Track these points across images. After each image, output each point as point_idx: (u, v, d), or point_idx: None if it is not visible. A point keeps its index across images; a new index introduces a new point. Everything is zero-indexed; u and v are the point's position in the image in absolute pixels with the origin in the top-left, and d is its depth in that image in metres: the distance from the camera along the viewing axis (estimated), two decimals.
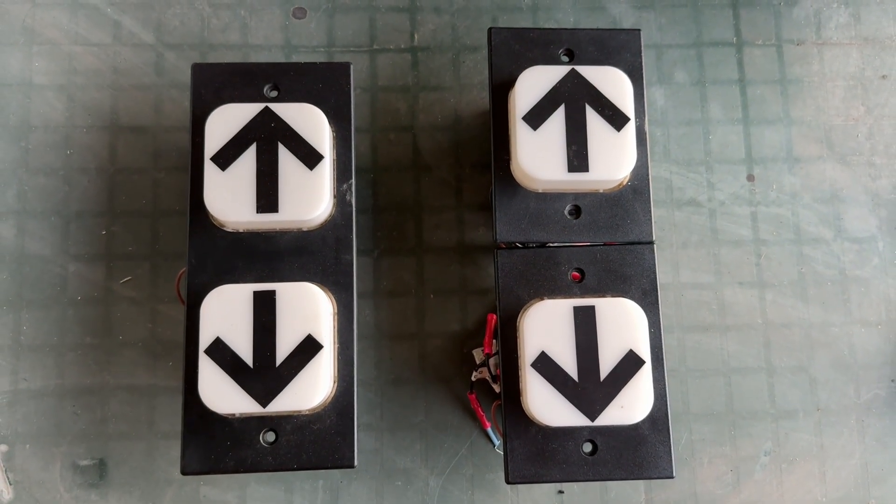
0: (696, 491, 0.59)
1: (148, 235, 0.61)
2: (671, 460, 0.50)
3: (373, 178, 0.62)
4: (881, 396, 0.61)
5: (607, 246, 0.53)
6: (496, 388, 0.57)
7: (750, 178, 0.64)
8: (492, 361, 0.57)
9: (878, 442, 0.61)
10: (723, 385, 0.61)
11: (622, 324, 0.50)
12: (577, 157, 0.52)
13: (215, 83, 0.54)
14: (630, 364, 0.50)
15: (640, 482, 0.59)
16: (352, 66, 0.54)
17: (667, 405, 0.50)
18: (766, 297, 0.62)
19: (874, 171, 0.64)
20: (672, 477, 0.50)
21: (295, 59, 0.63)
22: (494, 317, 0.57)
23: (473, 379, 0.58)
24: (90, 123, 0.62)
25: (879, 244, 0.63)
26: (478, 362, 0.59)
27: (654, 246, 0.53)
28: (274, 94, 0.54)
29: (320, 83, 0.54)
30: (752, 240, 0.63)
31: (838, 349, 0.62)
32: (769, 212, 0.63)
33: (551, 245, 0.53)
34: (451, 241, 0.62)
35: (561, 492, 0.59)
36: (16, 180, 0.61)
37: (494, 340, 0.56)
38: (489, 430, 0.59)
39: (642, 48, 0.55)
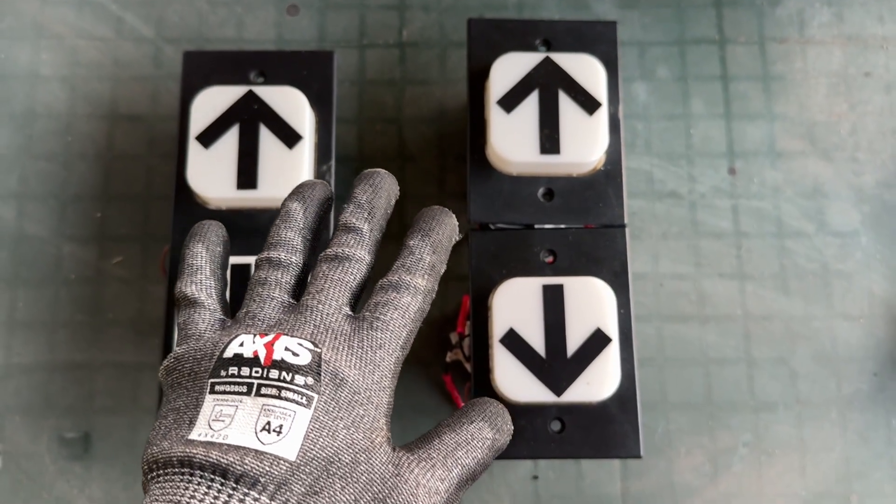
0: (672, 481, 0.59)
1: (140, 218, 0.63)
2: (639, 440, 0.50)
3: (358, 166, 0.64)
4: (863, 390, 0.61)
5: (580, 229, 0.53)
6: (469, 368, 0.57)
7: (731, 171, 0.64)
8: (465, 342, 0.57)
9: (860, 436, 0.60)
10: (701, 376, 0.61)
11: (590, 302, 0.51)
12: (549, 140, 0.53)
13: (204, 70, 0.56)
14: (597, 342, 0.50)
15: (616, 470, 0.59)
16: (336, 55, 0.56)
17: (635, 385, 0.51)
18: (747, 288, 0.62)
19: (857, 167, 0.64)
20: (640, 457, 0.50)
21: None
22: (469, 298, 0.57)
23: (448, 360, 0.59)
24: (90, 112, 0.65)
25: (862, 239, 0.63)
26: (453, 343, 0.60)
27: (626, 230, 0.53)
28: (260, 80, 0.56)
29: (305, 70, 0.56)
30: (732, 232, 0.63)
31: (820, 342, 0.61)
32: (750, 205, 0.64)
33: (525, 227, 0.54)
34: None
35: (535, 477, 0.59)
36: (19, 165, 0.64)
37: (468, 321, 0.57)
38: None
39: (618, 39, 0.56)
